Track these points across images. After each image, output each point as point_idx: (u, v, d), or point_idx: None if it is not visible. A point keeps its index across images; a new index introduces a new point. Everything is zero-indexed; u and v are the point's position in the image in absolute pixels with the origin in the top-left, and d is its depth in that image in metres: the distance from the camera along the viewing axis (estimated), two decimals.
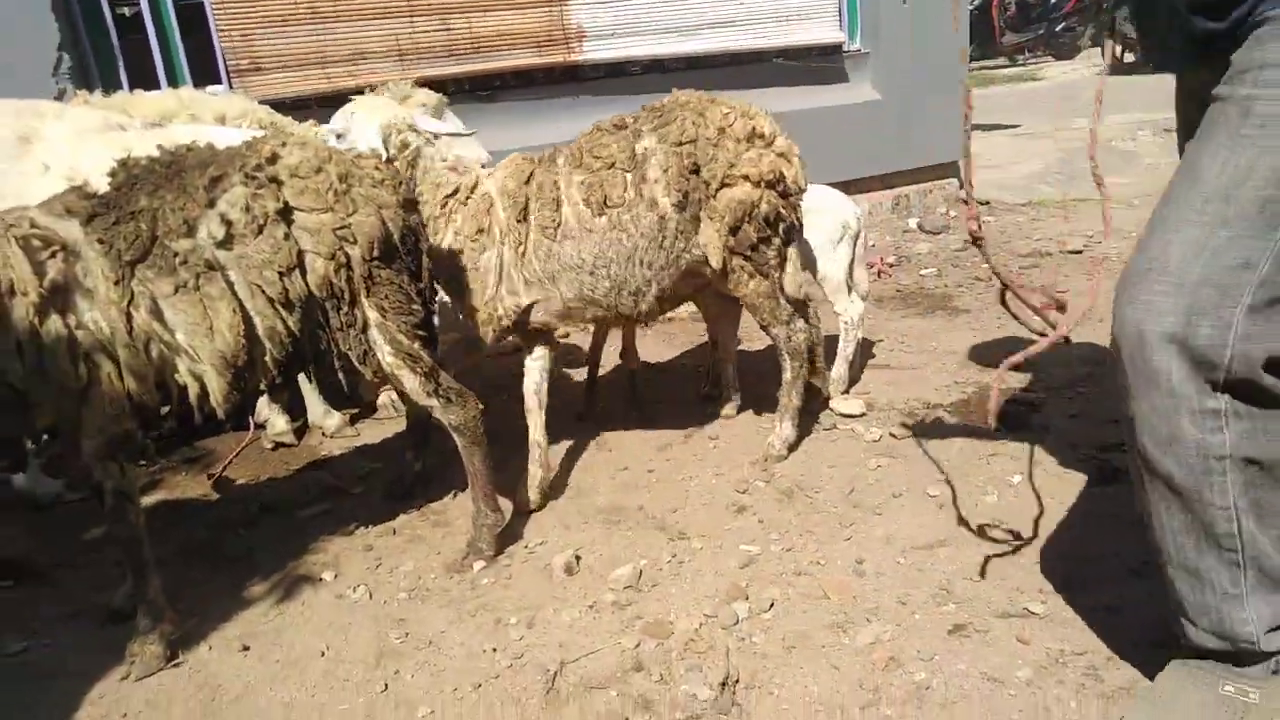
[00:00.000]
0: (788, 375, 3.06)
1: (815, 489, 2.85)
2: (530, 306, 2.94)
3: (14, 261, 2.01)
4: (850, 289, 3.56)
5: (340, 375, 2.55)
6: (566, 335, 4.74)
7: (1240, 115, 1.50)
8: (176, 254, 2.18)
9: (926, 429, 3.18)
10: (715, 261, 2.85)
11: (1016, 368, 2.43)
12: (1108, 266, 4.72)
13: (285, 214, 2.31)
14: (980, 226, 2.07)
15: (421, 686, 2.09)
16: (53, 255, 2.08)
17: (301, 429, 3.71)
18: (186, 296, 2.18)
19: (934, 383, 3.59)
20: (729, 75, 5.74)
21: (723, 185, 2.79)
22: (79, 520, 3.06)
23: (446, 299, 3.03)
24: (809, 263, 3.45)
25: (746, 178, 2.78)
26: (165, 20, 4.38)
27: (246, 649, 2.28)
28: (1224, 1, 1.56)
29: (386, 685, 2.10)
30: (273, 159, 2.35)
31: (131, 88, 4.13)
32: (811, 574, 2.40)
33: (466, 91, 4.94)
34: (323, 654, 2.24)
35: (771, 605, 2.27)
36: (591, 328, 3.54)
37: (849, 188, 6.24)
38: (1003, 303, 2.25)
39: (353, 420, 3.77)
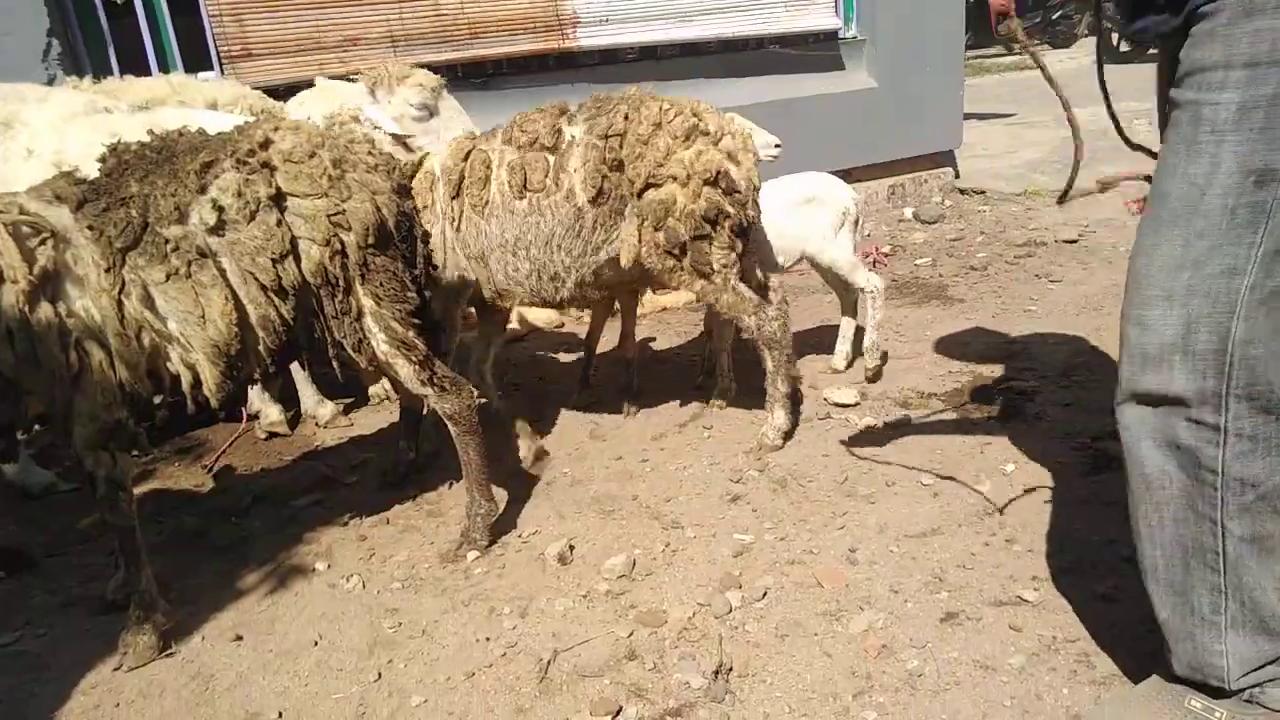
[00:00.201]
0: (769, 365, 3.04)
1: (809, 478, 2.85)
2: (476, 283, 2.98)
3: (3, 248, 1.99)
4: (861, 265, 3.56)
5: (335, 364, 2.54)
6: (561, 325, 4.73)
7: (1191, 122, 1.48)
8: (168, 241, 2.16)
9: (920, 418, 3.18)
10: (625, 260, 2.85)
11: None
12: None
13: (278, 200, 2.29)
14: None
15: (414, 676, 2.09)
16: (43, 242, 2.06)
17: (295, 418, 3.70)
18: (178, 284, 2.17)
19: (928, 372, 3.59)
20: (724, 62, 5.72)
21: (648, 185, 2.78)
22: (71, 510, 3.05)
23: None
24: (791, 251, 3.45)
25: (674, 178, 2.76)
26: (156, 5, 4.35)
27: (239, 639, 2.28)
28: None
29: (379, 674, 2.10)
30: (265, 144, 2.33)
31: (123, 74, 4.11)
32: (804, 563, 2.40)
33: (460, 78, 4.91)
34: (316, 643, 2.24)
35: (765, 594, 2.27)
36: (588, 313, 3.55)
37: (844, 176, 6.22)
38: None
39: (346, 410, 3.76)
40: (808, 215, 3.44)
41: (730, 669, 2.02)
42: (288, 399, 3.71)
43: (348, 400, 3.84)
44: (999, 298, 4.44)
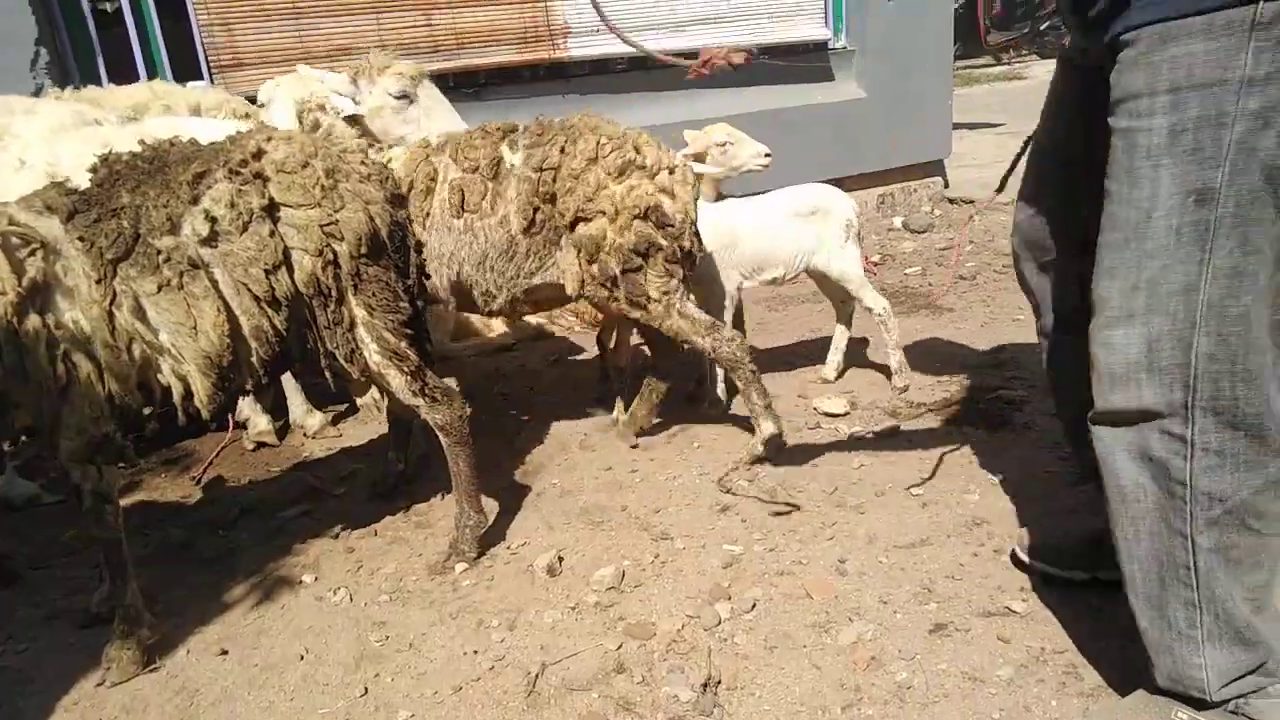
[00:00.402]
0: (739, 384, 3.00)
1: (798, 488, 2.85)
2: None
3: None
4: (869, 284, 3.57)
5: (327, 374, 2.54)
6: (547, 333, 4.73)
7: (1127, 150, 1.52)
8: (160, 252, 2.15)
9: (910, 428, 3.19)
10: (570, 289, 2.91)
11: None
12: None
13: (271, 210, 2.29)
14: None
15: (401, 690, 2.08)
16: (32, 253, 2.05)
17: (284, 428, 3.68)
18: (170, 295, 2.16)
19: (917, 382, 3.60)
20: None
21: (578, 218, 2.81)
22: (56, 522, 3.02)
23: None
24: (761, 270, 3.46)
25: (603, 213, 2.79)
26: (145, 14, 4.34)
27: (225, 653, 2.27)
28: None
29: (366, 689, 2.09)
30: (258, 154, 2.33)
31: (111, 83, 4.09)
32: (794, 574, 2.40)
33: (451, 88, 4.90)
34: (302, 657, 2.23)
35: (754, 605, 2.27)
36: (577, 322, 3.57)
37: (835, 185, 6.27)
38: None
39: (335, 420, 3.74)
40: (813, 227, 3.44)
41: (719, 681, 2.02)
42: (276, 408, 3.70)
43: (338, 409, 3.83)
44: (988, 307, 4.46)
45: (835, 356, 3.74)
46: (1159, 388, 1.54)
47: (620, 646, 2.16)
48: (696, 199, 2.97)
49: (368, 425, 3.72)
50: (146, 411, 2.26)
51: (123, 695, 2.13)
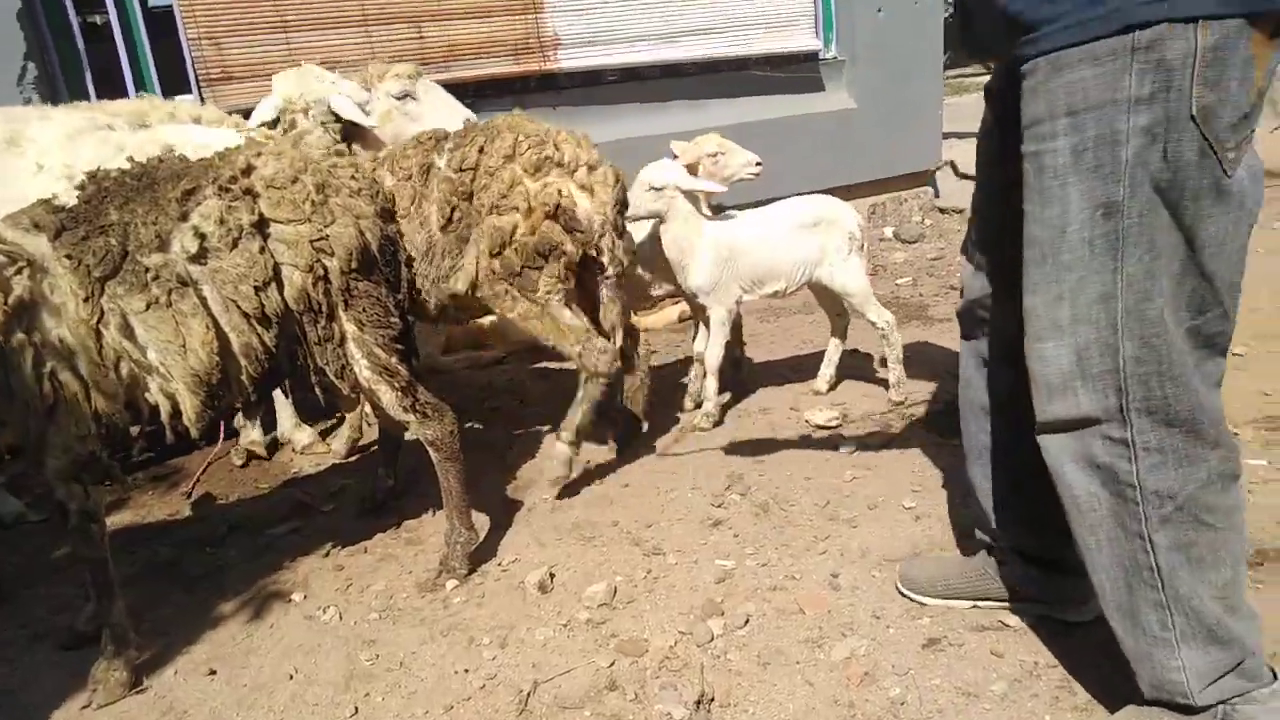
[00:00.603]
0: (579, 394, 2.98)
1: (790, 501, 2.85)
2: None
3: None
4: (873, 298, 3.56)
5: (317, 390, 2.52)
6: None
7: (1037, 172, 1.60)
8: (148, 269, 2.14)
9: (902, 440, 3.18)
10: (461, 285, 2.88)
11: None
12: None
13: (261, 226, 2.28)
14: None
15: (392, 710, 2.06)
16: (19, 271, 2.03)
17: (273, 443, 3.66)
18: (158, 313, 2.15)
19: (910, 392, 3.59)
20: (706, 83, 5.76)
21: (490, 212, 2.81)
22: (41, 540, 2.99)
23: None
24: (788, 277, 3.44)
25: (516, 208, 2.78)
26: (134, 28, 4.32)
27: (213, 673, 2.25)
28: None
29: (356, 708, 2.07)
30: (248, 170, 2.32)
31: (99, 97, 4.08)
32: (786, 588, 2.39)
33: None
34: (291, 677, 2.21)
35: (746, 621, 2.26)
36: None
37: (825, 195, 6.30)
38: None
39: (324, 435, 3.72)
40: (816, 238, 3.43)
41: (712, 699, 2.00)
42: (267, 423, 3.68)
43: (330, 423, 3.81)
44: None
45: (828, 370, 3.73)
46: (1094, 395, 1.61)
47: (613, 664, 2.15)
48: (620, 204, 2.93)
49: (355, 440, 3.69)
50: (134, 430, 2.24)
51: (109, 717, 2.11)
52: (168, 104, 3.53)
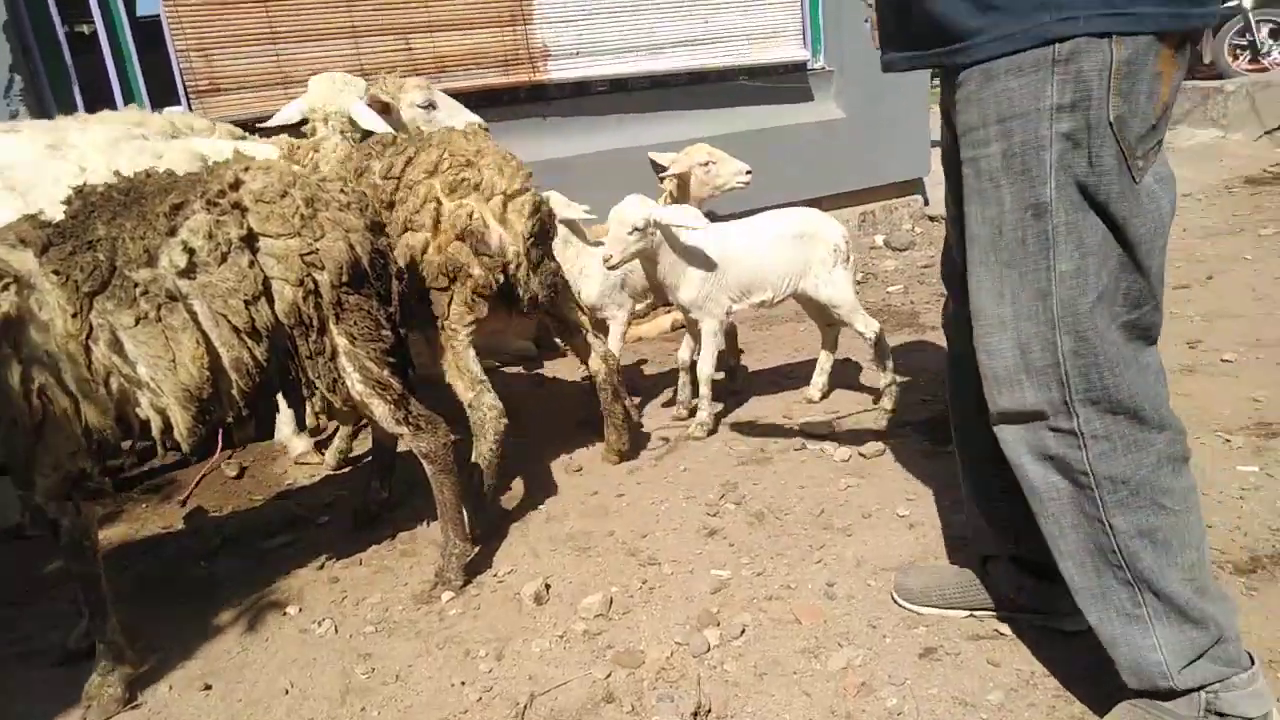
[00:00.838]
0: (482, 453, 2.86)
1: (785, 510, 2.85)
2: None
3: None
4: (860, 308, 3.58)
5: (308, 405, 2.51)
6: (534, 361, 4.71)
7: (974, 175, 1.68)
8: (137, 284, 2.13)
9: (896, 448, 3.19)
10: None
11: None
12: None
13: (250, 241, 2.27)
14: None
15: None
16: (5, 288, 2.02)
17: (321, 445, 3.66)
18: (148, 328, 2.13)
19: (903, 400, 3.61)
20: (694, 94, 5.78)
21: (405, 228, 2.80)
22: (33, 555, 2.97)
23: None
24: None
25: (425, 226, 2.78)
26: (121, 39, 4.31)
27: (208, 688, 2.23)
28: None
29: None
30: (236, 184, 2.31)
31: (88, 109, 4.06)
32: (782, 598, 2.39)
33: None
34: (286, 691, 2.19)
35: (743, 631, 2.26)
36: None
37: (815, 205, 6.31)
38: None
39: (318, 446, 3.70)
40: (799, 250, 3.44)
41: (709, 710, 2.00)
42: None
43: (324, 435, 3.79)
44: None
45: (820, 378, 3.74)
46: (1038, 388, 1.67)
47: (609, 675, 2.14)
48: (537, 232, 2.86)
49: (350, 451, 3.68)
50: (125, 446, 2.22)
51: None
52: (150, 119, 3.53)
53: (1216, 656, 1.66)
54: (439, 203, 2.77)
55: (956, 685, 1.99)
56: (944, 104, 1.95)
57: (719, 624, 2.30)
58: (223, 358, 2.23)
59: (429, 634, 2.39)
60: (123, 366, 2.12)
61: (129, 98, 4.32)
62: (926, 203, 6.82)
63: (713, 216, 4.62)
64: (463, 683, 2.17)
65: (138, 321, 2.12)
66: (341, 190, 2.48)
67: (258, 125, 3.68)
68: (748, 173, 4.43)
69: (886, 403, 3.53)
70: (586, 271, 3.87)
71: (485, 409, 2.86)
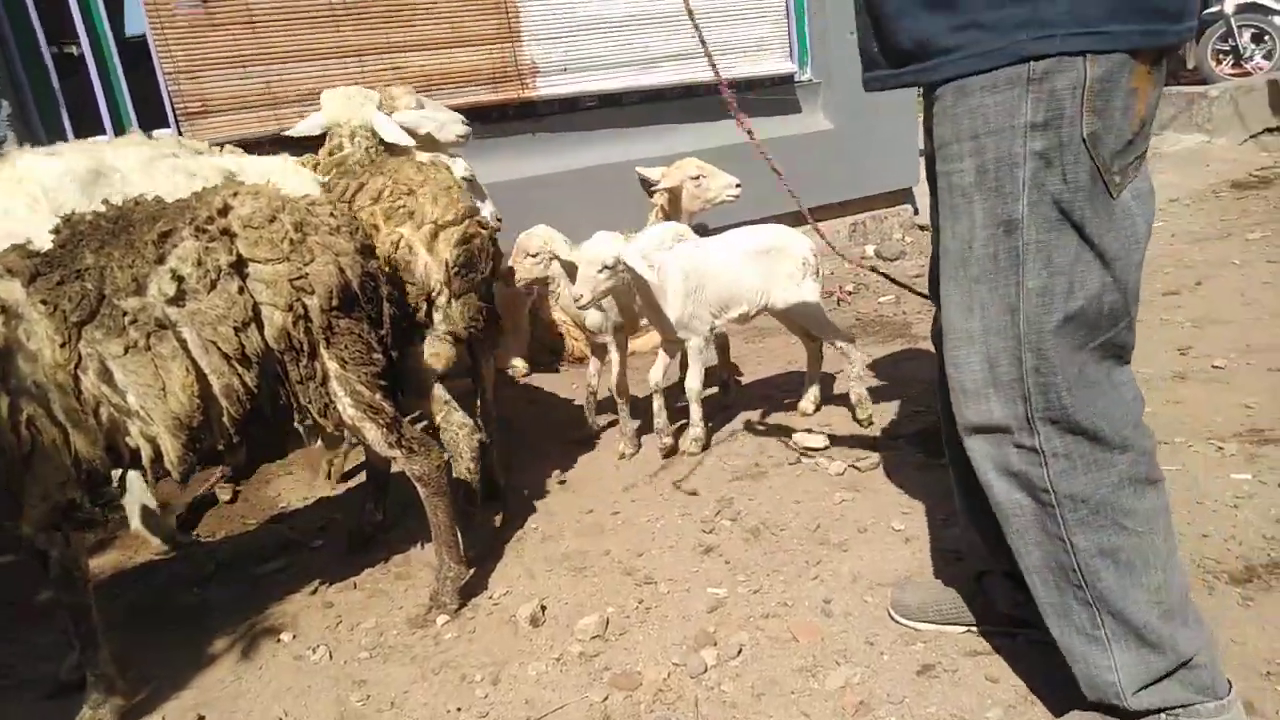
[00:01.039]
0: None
1: (781, 526, 2.84)
2: None
3: None
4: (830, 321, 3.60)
5: (300, 429, 2.50)
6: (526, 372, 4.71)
7: (947, 190, 1.69)
8: (126, 313, 2.11)
9: (890, 461, 3.19)
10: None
11: None
12: None
13: (239, 267, 2.26)
14: None
15: None
16: None
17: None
18: (137, 357, 2.12)
19: (895, 412, 3.61)
20: (684, 108, 5.79)
21: None
22: (23, 584, 2.94)
23: None
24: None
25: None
26: (108, 61, 4.30)
27: (202, 718, 2.21)
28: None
29: None
30: (224, 210, 2.30)
31: (76, 134, 4.06)
32: (779, 616, 2.38)
33: None
34: None
35: (740, 651, 2.25)
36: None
37: (808, 213, 6.34)
38: None
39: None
40: (767, 265, 3.47)
41: None
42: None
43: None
44: None
45: (813, 389, 3.74)
46: (1004, 403, 1.67)
47: (606, 698, 2.13)
48: (462, 262, 2.83)
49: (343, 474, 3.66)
50: (115, 474, 2.21)
51: None
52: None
53: (1184, 681, 1.66)
54: (376, 229, 2.78)
55: (955, 702, 1.98)
56: (925, 120, 1.97)
57: (716, 644, 2.29)
58: (213, 385, 2.21)
59: (424, 659, 2.37)
60: (112, 395, 2.10)
61: (116, 120, 4.32)
62: (916, 212, 6.85)
63: (704, 230, 4.65)
64: (459, 709, 2.15)
65: (127, 350, 2.10)
66: (331, 214, 2.48)
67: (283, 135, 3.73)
68: (737, 186, 4.45)
69: (859, 413, 3.54)
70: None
71: (456, 428, 2.85)
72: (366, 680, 2.30)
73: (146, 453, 2.18)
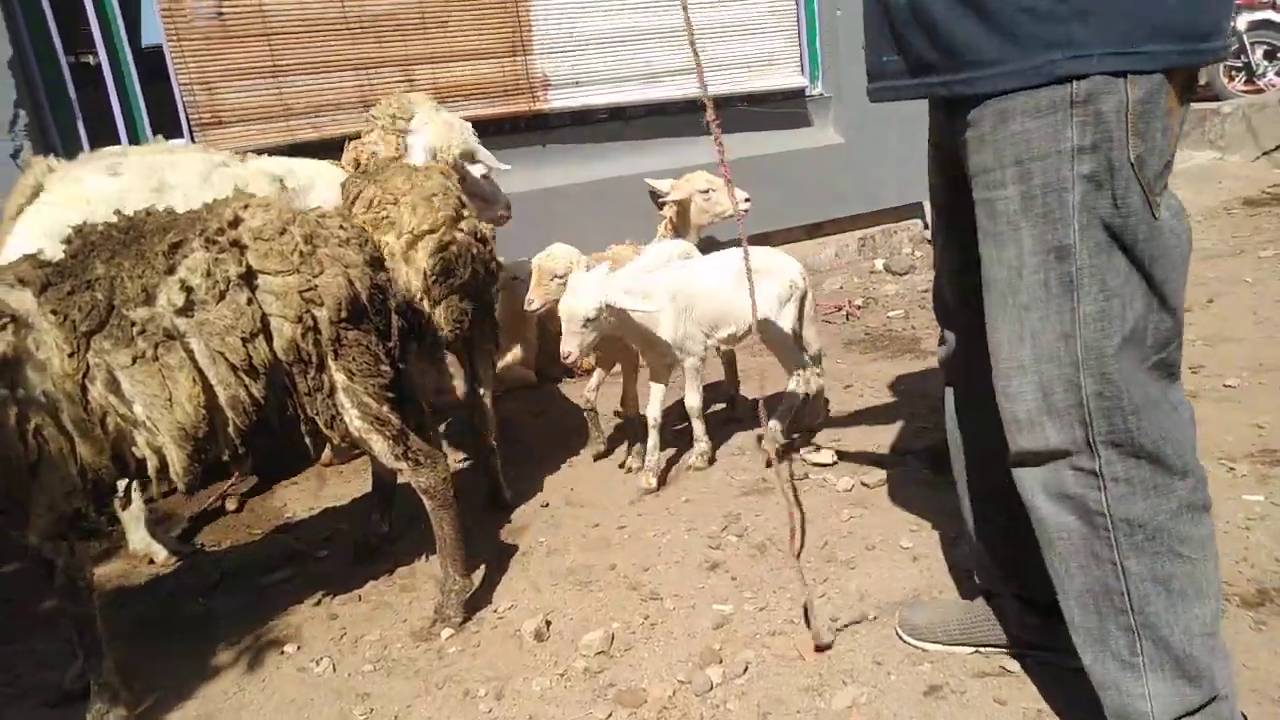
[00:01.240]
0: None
1: (788, 542, 2.82)
2: None
3: None
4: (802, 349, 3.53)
5: (307, 440, 2.50)
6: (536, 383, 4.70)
7: (989, 217, 1.66)
8: (134, 323, 2.12)
9: (898, 477, 3.17)
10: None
11: None
12: None
13: (248, 278, 2.26)
14: None
15: None
16: (2, 328, 2.01)
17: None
18: (145, 367, 2.12)
19: (905, 428, 3.59)
20: (693, 121, 5.79)
21: None
22: (27, 593, 2.95)
23: None
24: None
25: None
26: (125, 72, 4.34)
27: None
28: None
29: None
30: (235, 222, 2.31)
31: (91, 143, 4.09)
32: (786, 633, 2.37)
33: None
34: None
35: (745, 669, 2.23)
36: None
37: (815, 229, 6.34)
38: None
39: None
40: (760, 284, 3.37)
41: None
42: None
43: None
44: None
45: (819, 406, 3.72)
46: (1061, 428, 1.63)
47: (610, 716, 2.12)
48: (439, 270, 2.85)
49: (350, 484, 3.66)
50: (120, 484, 2.21)
51: None
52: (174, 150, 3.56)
53: (1213, 714, 1.63)
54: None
55: None
56: (937, 136, 1.92)
57: (721, 661, 2.27)
58: (219, 395, 2.22)
59: (428, 673, 2.36)
60: (119, 406, 2.11)
61: (131, 130, 4.35)
62: (926, 226, 6.83)
63: (711, 243, 4.65)
64: None
65: (135, 360, 2.11)
66: (341, 226, 2.48)
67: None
68: (747, 200, 4.45)
69: (766, 444, 3.22)
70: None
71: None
72: (369, 694, 2.29)
73: (152, 463, 2.18)
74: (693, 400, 3.44)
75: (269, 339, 2.27)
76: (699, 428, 3.47)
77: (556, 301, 3.31)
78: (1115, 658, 1.67)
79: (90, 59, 4.93)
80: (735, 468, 3.43)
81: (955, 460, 2.17)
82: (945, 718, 1.99)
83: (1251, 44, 8.70)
